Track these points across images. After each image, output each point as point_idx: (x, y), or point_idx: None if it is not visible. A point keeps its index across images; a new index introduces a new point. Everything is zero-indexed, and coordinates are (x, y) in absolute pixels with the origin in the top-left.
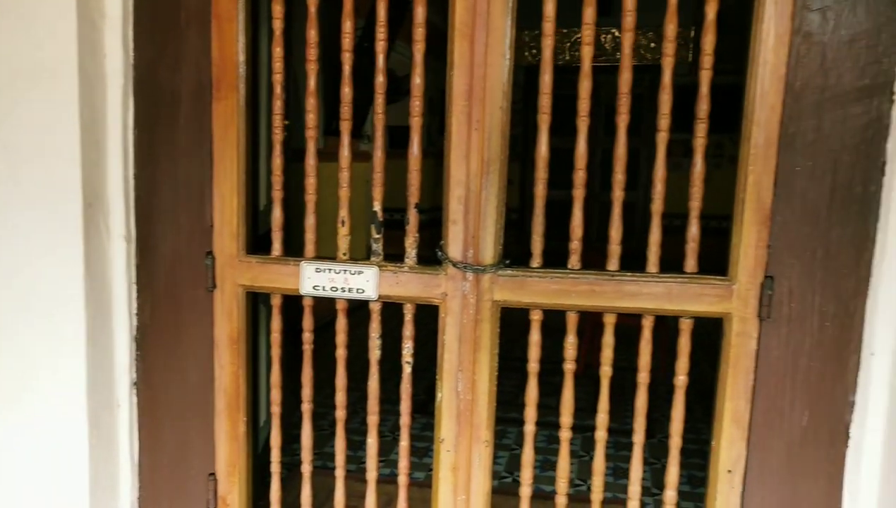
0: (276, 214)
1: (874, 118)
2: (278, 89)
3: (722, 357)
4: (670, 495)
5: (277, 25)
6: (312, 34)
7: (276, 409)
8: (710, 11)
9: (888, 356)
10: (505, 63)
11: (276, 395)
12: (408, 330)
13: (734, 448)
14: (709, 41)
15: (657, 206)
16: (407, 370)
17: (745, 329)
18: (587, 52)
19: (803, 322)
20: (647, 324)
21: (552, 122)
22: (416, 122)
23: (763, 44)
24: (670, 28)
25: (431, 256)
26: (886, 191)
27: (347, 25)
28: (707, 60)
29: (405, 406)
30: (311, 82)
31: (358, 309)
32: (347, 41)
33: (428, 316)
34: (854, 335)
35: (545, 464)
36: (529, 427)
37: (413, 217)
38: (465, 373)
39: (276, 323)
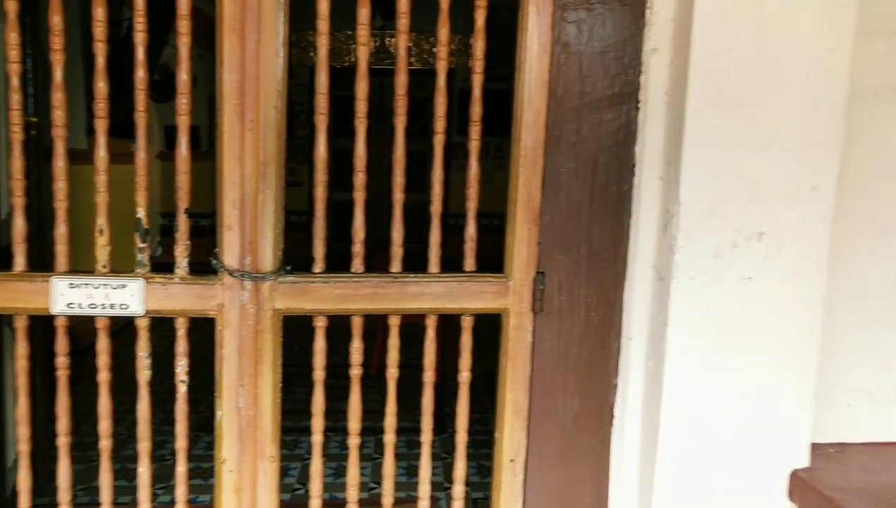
0: (18, 224)
1: (624, 123)
2: (15, 81)
3: (501, 351)
4: (458, 490)
5: (11, 8)
6: (56, 21)
7: (23, 447)
8: (479, 18)
9: (643, 340)
10: (279, 61)
11: (23, 431)
12: (181, 347)
13: (515, 437)
14: (479, 47)
15: (436, 208)
16: (182, 389)
17: (521, 323)
18: (363, 53)
19: (572, 313)
20: (431, 324)
21: (346, 124)
22: (183, 121)
23: (528, 51)
24: (443, 32)
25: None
26: (637, 191)
27: (99, 13)
28: (478, 65)
29: (181, 428)
30: (58, 75)
31: (130, 326)
32: (100, 31)
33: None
34: (615, 322)
35: (340, 470)
36: (317, 438)
37: (183, 223)
38: (246, 388)
39: (22, 349)
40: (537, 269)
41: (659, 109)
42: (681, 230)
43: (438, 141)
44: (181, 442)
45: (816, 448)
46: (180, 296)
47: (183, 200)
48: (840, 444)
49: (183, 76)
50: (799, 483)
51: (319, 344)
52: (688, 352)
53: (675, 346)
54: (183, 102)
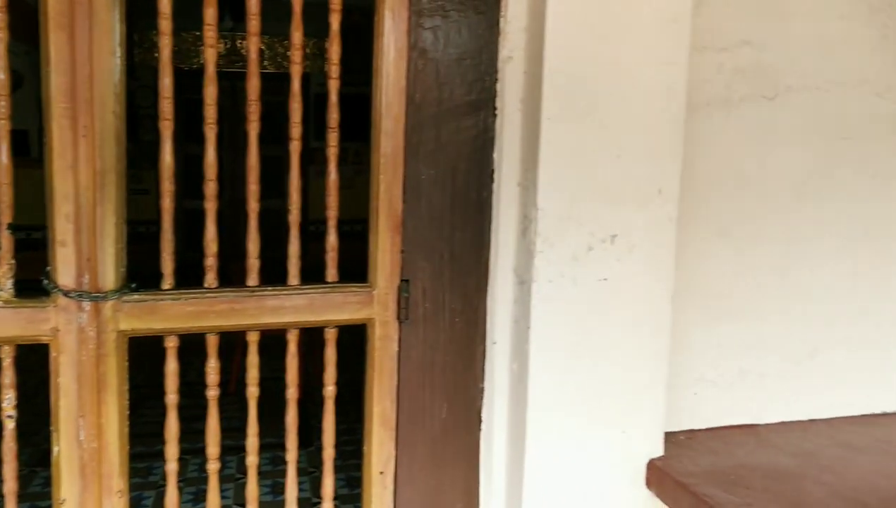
0: None
1: (482, 130)
2: None
3: (367, 362)
4: (327, 507)
5: None
6: None
7: None
8: (334, 22)
9: (507, 343)
10: (115, 61)
11: None
12: (7, 378)
13: (384, 449)
14: (334, 51)
15: (294, 217)
16: (10, 426)
17: (387, 332)
18: (211, 55)
19: (437, 320)
20: (293, 339)
21: (198, 129)
22: (2, 126)
23: (384, 57)
24: (296, 36)
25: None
26: (496, 197)
27: None
28: (334, 70)
29: (9, 469)
30: None
31: None
32: None
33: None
34: (479, 328)
35: (200, 495)
36: (171, 466)
37: (6, 240)
38: (88, 419)
39: None
40: (401, 277)
41: (515, 116)
42: (539, 234)
43: (294, 147)
44: (9, 485)
45: (669, 436)
46: (5, 322)
47: (5, 214)
48: (689, 431)
49: (0, 75)
50: (655, 472)
51: (171, 366)
52: (550, 353)
53: (538, 348)
54: (1, 105)
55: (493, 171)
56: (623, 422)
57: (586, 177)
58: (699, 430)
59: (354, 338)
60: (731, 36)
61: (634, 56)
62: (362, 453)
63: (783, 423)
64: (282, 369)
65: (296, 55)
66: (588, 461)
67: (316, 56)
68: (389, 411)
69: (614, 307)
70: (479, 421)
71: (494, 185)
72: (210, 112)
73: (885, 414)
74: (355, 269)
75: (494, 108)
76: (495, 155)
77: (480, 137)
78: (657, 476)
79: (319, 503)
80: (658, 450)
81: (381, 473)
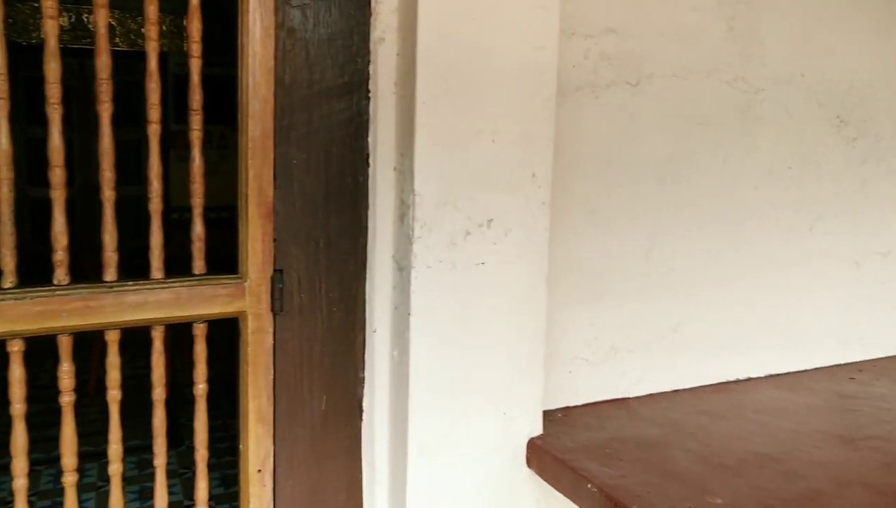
0: None
1: (356, 113)
2: None
3: (241, 357)
4: None
5: None
6: None
7: None
8: None
9: (387, 331)
10: None
11: None
12: None
13: (262, 447)
14: (195, 27)
15: (155, 205)
16: None
17: (261, 325)
18: (51, 28)
19: (314, 310)
20: (158, 336)
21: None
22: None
23: (250, 35)
24: (151, 9)
25: None
26: (372, 182)
27: None
28: (195, 48)
29: None
30: None
31: None
32: None
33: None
34: (358, 316)
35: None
36: (20, 483)
37: None
38: None
39: None
40: (275, 267)
41: (390, 100)
42: (417, 220)
43: (153, 131)
44: None
45: (547, 415)
46: None
47: None
48: (565, 408)
49: None
50: (535, 450)
51: (17, 373)
52: (430, 339)
53: (418, 334)
54: None
55: (368, 156)
56: (504, 404)
57: (462, 162)
58: (575, 407)
59: (225, 331)
60: (597, 23)
61: (506, 40)
62: (238, 451)
63: (651, 395)
64: (145, 367)
65: (151, 30)
66: (471, 444)
67: (174, 34)
68: (266, 406)
69: (492, 290)
70: (361, 411)
71: (370, 170)
72: (53, 91)
73: (738, 381)
74: (225, 260)
75: (368, 91)
76: (370, 139)
77: (354, 121)
78: (537, 454)
79: (192, 506)
80: (537, 429)
81: (259, 471)
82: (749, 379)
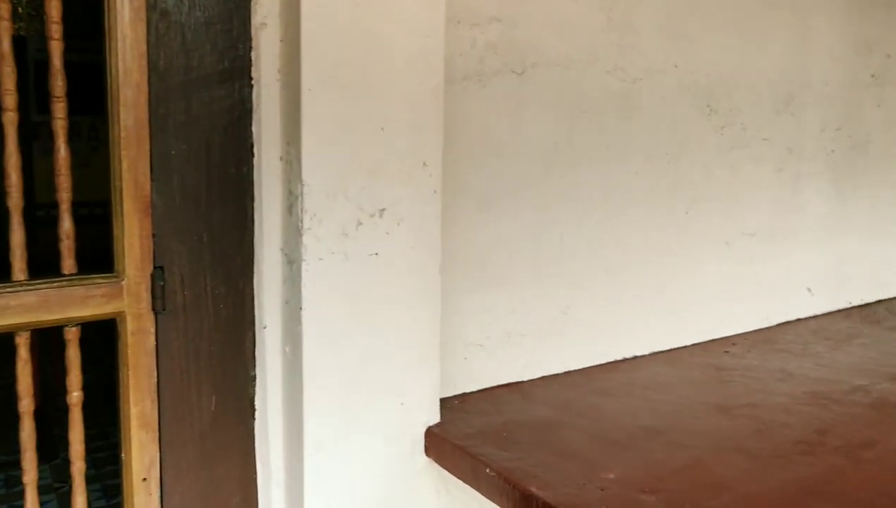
0: None
1: (238, 101)
2: None
3: (120, 360)
4: None
5: None
6: None
7: None
8: None
9: (278, 326)
10: None
11: None
12: None
13: (146, 454)
14: (54, 7)
15: (15, 201)
16: None
17: (142, 326)
18: None
19: (199, 308)
20: (23, 342)
21: None
22: None
23: (119, 17)
24: None
25: None
26: (258, 172)
27: None
28: (55, 29)
29: None
30: None
31: None
32: None
33: None
34: (247, 312)
35: None
36: None
37: None
38: None
39: None
40: (155, 264)
41: (274, 87)
42: (306, 211)
43: (9, 119)
44: None
45: (443, 402)
46: None
47: None
48: (462, 395)
49: None
50: (433, 438)
51: None
52: (323, 332)
53: (311, 328)
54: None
55: (252, 145)
56: (400, 394)
57: (352, 151)
58: (472, 393)
59: (100, 330)
60: (482, 11)
61: (392, 27)
62: (120, 459)
63: (544, 377)
64: (10, 375)
65: (2, 9)
66: (368, 436)
67: (33, 17)
68: (150, 411)
69: (386, 281)
70: (253, 410)
71: (255, 160)
72: None
73: (625, 360)
74: (99, 258)
75: (251, 78)
76: (254, 128)
77: (237, 109)
78: (435, 442)
79: None
80: (435, 417)
81: (145, 479)
82: (635, 357)
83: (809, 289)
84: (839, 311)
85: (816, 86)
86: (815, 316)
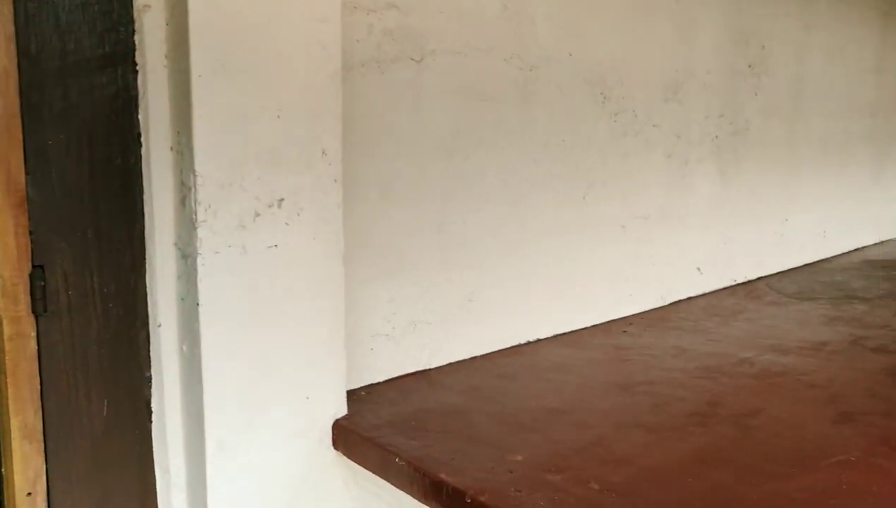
0: None
1: (122, 88)
2: None
3: None
4: None
5: None
6: None
7: None
8: None
9: (174, 324)
10: None
11: None
12: None
13: (30, 466)
14: None
15: None
16: None
17: (20, 329)
18: None
19: (85, 308)
20: None
21: None
22: None
23: None
24: None
25: None
26: (146, 163)
27: None
28: None
29: None
30: None
31: None
32: None
33: None
34: (139, 311)
35: None
36: None
37: None
38: None
39: None
40: (34, 263)
41: (161, 73)
42: (200, 203)
43: None
44: None
45: (350, 394)
46: None
47: None
48: (369, 386)
49: None
50: (341, 431)
51: None
52: (222, 329)
53: (209, 325)
54: None
55: (139, 135)
56: (305, 388)
57: (247, 139)
58: (379, 383)
59: None
60: None
61: (286, 11)
62: (0, 475)
63: (451, 364)
64: None
65: None
66: (273, 433)
67: None
68: (33, 420)
69: (287, 273)
70: (150, 413)
71: (143, 150)
72: None
73: (529, 343)
74: None
75: (135, 63)
76: (141, 116)
77: (120, 96)
78: (343, 435)
79: None
80: (342, 410)
81: (30, 494)
82: (538, 341)
83: (699, 269)
84: (725, 289)
85: (700, 75)
86: (705, 294)
